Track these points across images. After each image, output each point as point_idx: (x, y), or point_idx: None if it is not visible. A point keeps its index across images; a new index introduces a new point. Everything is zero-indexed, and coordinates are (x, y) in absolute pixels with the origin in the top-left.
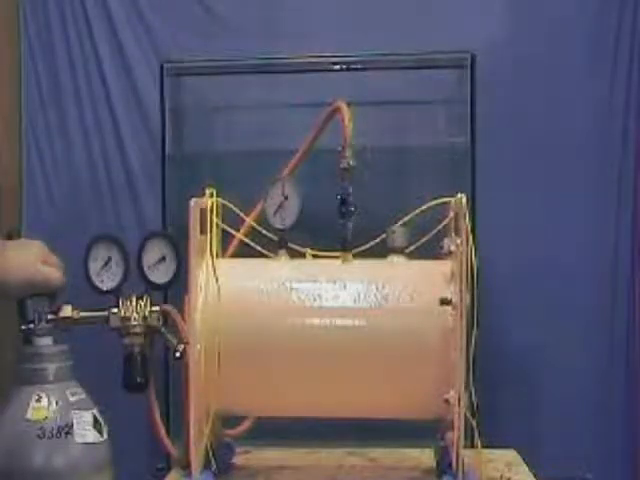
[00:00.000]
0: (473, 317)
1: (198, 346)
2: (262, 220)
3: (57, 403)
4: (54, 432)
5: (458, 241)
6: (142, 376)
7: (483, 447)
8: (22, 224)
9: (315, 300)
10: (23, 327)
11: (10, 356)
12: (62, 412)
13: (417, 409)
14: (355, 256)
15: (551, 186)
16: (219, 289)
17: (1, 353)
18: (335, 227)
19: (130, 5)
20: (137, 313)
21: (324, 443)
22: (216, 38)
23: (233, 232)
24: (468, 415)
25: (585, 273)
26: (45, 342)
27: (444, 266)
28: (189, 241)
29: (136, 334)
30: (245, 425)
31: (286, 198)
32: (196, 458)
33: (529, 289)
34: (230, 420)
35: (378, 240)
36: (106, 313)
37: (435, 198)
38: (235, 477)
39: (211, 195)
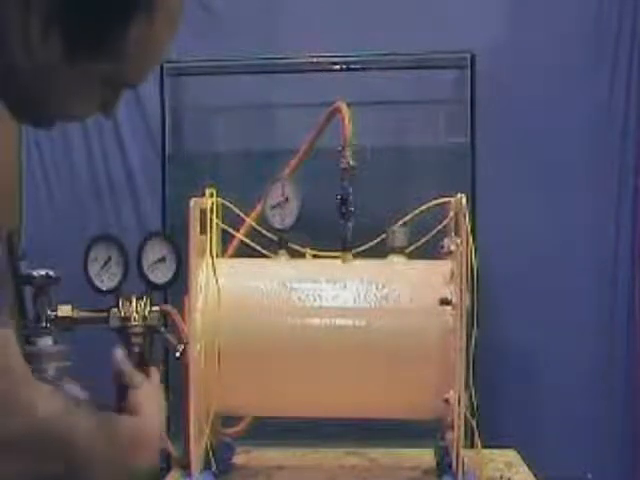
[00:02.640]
0: (473, 317)
1: (198, 346)
2: (262, 220)
3: None
4: None
5: (458, 241)
6: None
7: (483, 447)
8: (22, 224)
9: (315, 300)
10: (23, 327)
11: None
12: None
13: (417, 409)
14: (355, 256)
15: (551, 186)
16: (219, 289)
17: None
18: (335, 227)
19: None
20: (137, 313)
21: (324, 443)
22: (216, 38)
23: (233, 232)
24: (468, 415)
25: (585, 273)
26: (45, 342)
27: (444, 266)
28: (189, 241)
29: (136, 334)
30: (241, 425)
31: (286, 199)
32: (196, 458)
33: (529, 289)
34: (230, 420)
35: (378, 240)
36: (106, 313)
37: (435, 198)
38: (235, 477)
39: (211, 195)
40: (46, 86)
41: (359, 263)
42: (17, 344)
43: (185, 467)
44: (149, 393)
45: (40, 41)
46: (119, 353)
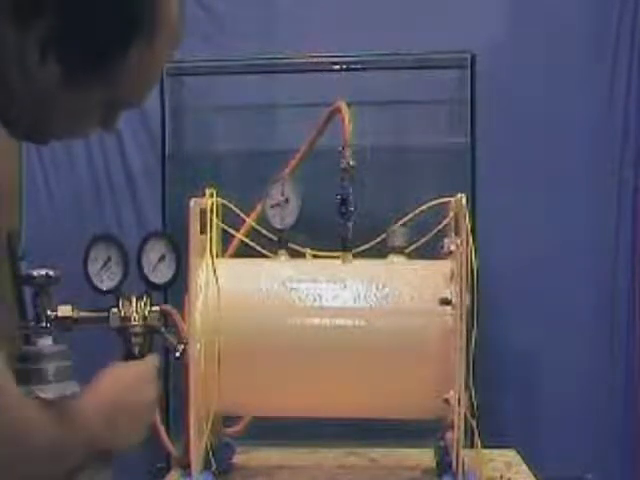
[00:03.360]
0: (473, 317)
1: (198, 346)
2: (262, 220)
3: None
4: None
5: (458, 241)
6: None
7: (483, 447)
8: (22, 224)
9: (315, 300)
10: (23, 327)
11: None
12: None
13: (417, 409)
14: (355, 256)
15: (551, 186)
16: (219, 289)
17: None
18: (335, 227)
19: None
20: (137, 313)
21: (324, 443)
22: (216, 38)
23: (233, 232)
24: (468, 415)
25: (585, 273)
26: (45, 342)
27: (444, 266)
28: (189, 241)
29: (136, 334)
30: (240, 425)
31: (286, 199)
32: (196, 458)
33: (529, 289)
34: (230, 420)
35: (378, 240)
36: (106, 313)
37: (435, 198)
38: (235, 477)
39: (211, 195)
40: (44, 109)
41: (359, 263)
42: (5, 364)
43: (185, 467)
44: (113, 371)
45: (38, 66)
46: None
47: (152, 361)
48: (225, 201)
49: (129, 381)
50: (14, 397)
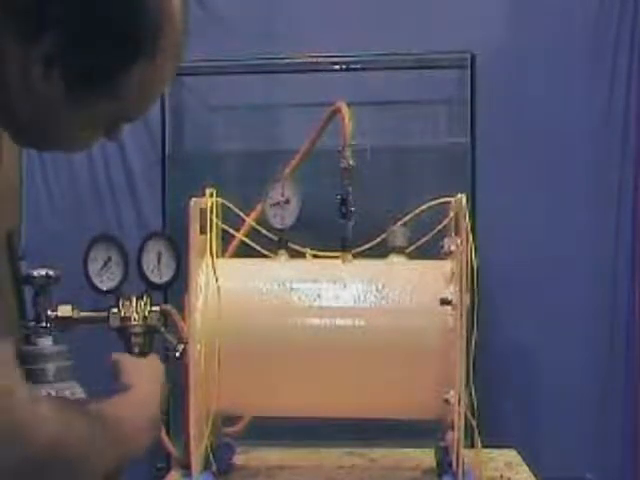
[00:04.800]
0: (473, 317)
1: (198, 346)
2: (262, 220)
3: None
4: None
5: (458, 241)
6: None
7: (483, 447)
8: (22, 224)
9: (315, 300)
10: (23, 327)
11: None
12: None
13: (417, 409)
14: (355, 256)
15: (551, 186)
16: (219, 289)
17: None
18: (335, 227)
19: None
20: (137, 313)
21: (324, 443)
22: (216, 38)
23: (233, 232)
24: (468, 415)
25: (585, 273)
26: (45, 342)
27: (444, 266)
28: (189, 241)
29: (136, 334)
30: (239, 425)
31: (286, 199)
32: (196, 458)
33: (529, 289)
34: (230, 420)
35: (378, 240)
36: (106, 313)
37: (435, 198)
38: (235, 477)
39: (211, 195)
40: (47, 122)
41: (359, 263)
42: (15, 361)
43: (185, 467)
44: (139, 369)
45: (41, 81)
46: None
47: (157, 360)
48: (225, 201)
49: (145, 380)
50: (23, 398)
